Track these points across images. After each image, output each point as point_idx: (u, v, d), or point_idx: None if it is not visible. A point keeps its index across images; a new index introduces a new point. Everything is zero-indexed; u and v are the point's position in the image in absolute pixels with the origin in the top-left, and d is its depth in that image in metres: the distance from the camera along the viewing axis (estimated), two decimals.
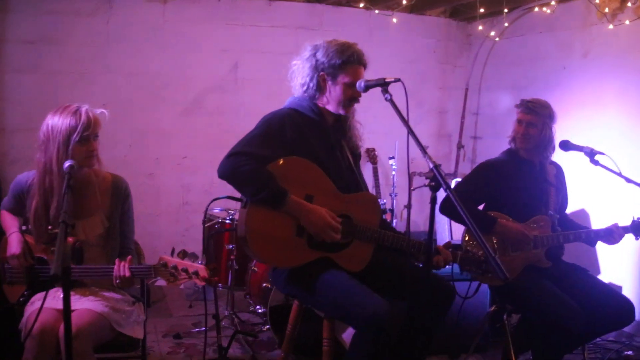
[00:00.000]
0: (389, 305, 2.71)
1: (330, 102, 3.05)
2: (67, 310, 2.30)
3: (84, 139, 2.86)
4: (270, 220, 2.83)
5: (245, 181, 2.80)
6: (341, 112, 3.06)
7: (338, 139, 3.14)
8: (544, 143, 3.68)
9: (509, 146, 3.81)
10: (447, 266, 3.10)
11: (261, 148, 2.83)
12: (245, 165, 2.77)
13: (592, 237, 3.70)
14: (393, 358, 3.05)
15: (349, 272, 2.95)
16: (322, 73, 3.01)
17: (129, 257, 2.87)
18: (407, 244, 3.00)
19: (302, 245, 2.90)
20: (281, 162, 2.86)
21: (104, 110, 3.01)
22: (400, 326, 3.06)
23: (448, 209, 3.60)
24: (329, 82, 3.02)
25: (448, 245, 3.11)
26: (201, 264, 2.78)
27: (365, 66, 3.04)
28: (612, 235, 3.66)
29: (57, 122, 2.86)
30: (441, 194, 2.65)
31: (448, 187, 2.44)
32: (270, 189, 2.77)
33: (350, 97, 3.01)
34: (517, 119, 3.72)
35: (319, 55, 3.01)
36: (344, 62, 2.97)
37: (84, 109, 2.89)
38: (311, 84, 3.04)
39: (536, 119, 3.64)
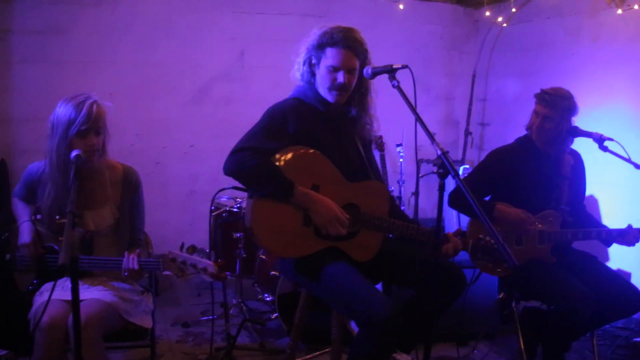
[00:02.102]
0: (393, 304, 2.65)
1: (320, 88, 3.00)
2: (75, 299, 2.30)
3: (81, 133, 2.84)
4: (277, 210, 2.82)
5: (250, 177, 2.81)
6: (329, 99, 2.97)
7: (346, 127, 3.09)
8: (562, 136, 3.60)
9: (520, 133, 3.77)
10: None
11: (264, 141, 2.82)
12: (250, 161, 2.76)
13: (603, 237, 3.64)
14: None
15: (357, 262, 2.92)
16: (310, 56, 2.98)
17: (138, 250, 2.88)
18: (416, 233, 2.96)
19: (310, 234, 2.88)
20: (286, 153, 2.85)
21: (109, 103, 2.97)
22: (403, 310, 3.05)
23: (455, 202, 3.57)
24: (316, 67, 2.98)
25: (458, 232, 3.04)
26: (212, 259, 2.77)
27: (350, 49, 2.89)
28: (627, 236, 3.59)
29: (61, 112, 2.85)
30: (449, 183, 2.63)
31: (456, 173, 2.41)
32: (277, 183, 2.76)
33: (333, 82, 2.92)
34: (534, 110, 3.65)
35: (311, 38, 2.97)
36: (322, 44, 2.91)
37: (88, 101, 2.85)
38: (304, 68, 3.02)
39: (553, 112, 3.54)
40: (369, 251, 2.98)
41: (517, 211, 3.51)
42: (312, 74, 3.02)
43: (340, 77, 2.90)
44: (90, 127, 2.84)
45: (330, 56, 2.90)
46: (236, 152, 2.81)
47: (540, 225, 3.55)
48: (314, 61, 2.98)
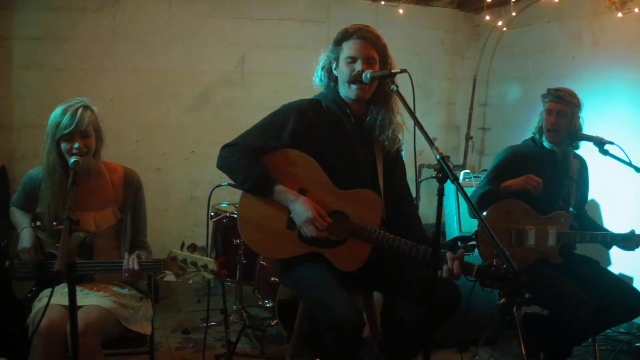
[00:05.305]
0: (356, 309, 2.63)
1: (342, 87, 2.97)
2: (72, 305, 2.29)
3: (66, 136, 2.86)
4: (262, 209, 2.90)
5: (233, 171, 2.90)
6: (351, 95, 2.93)
7: (365, 133, 3.05)
8: (573, 133, 3.64)
9: (522, 137, 3.77)
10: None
11: (254, 140, 2.90)
12: (234, 155, 2.87)
13: (608, 241, 3.67)
14: (385, 354, 3.03)
15: (340, 270, 2.90)
16: (329, 60, 3.00)
17: (138, 252, 2.88)
18: (409, 249, 2.82)
19: (293, 238, 2.90)
20: (277, 154, 2.91)
21: (94, 108, 2.98)
22: (394, 323, 3.02)
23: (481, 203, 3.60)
24: (336, 68, 2.98)
25: (462, 254, 2.73)
26: (212, 257, 2.79)
27: (366, 39, 2.88)
28: (629, 242, 3.62)
29: (51, 117, 2.90)
30: (448, 188, 2.62)
31: (455, 178, 2.41)
32: (257, 178, 2.82)
33: (351, 73, 2.87)
34: (545, 109, 3.66)
35: (330, 43, 3.00)
36: (338, 40, 2.95)
37: (75, 107, 2.88)
38: (322, 72, 3.03)
39: (566, 107, 3.59)
40: (355, 262, 2.91)
41: (519, 178, 3.51)
42: (331, 78, 3.02)
43: (358, 67, 2.88)
44: (74, 130, 2.86)
45: (347, 49, 2.91)
46: (225, 146, 2.94)
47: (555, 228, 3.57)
48: (333, 64, 2.99)
